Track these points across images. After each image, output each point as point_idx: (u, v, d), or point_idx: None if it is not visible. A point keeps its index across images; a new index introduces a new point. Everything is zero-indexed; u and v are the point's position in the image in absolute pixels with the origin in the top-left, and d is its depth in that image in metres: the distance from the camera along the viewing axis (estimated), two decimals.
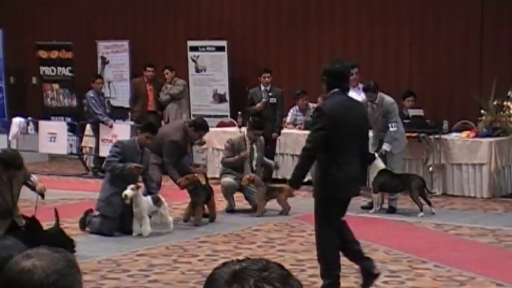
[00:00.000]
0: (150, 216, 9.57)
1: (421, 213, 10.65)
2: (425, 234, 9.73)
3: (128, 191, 9.23)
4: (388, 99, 11.15)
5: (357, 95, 12.03)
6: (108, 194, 9.56)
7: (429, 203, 10.77)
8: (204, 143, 11.31)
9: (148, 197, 9.57)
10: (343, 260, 8.34)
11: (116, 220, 9.53)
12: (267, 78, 13.26)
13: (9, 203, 8.19)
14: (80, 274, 2.16)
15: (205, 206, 10.46)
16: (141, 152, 9.75)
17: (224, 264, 1.82)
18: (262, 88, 13.28)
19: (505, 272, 7.88)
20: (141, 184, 9.79)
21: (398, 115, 11.31)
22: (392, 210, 10.99)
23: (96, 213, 9.66)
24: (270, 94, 13.16)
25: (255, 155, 11.22)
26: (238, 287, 1.71)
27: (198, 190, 10.22)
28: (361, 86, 12.15)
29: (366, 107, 11.23)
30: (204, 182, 10.43)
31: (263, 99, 13.07)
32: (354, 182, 7.07)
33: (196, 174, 10.42)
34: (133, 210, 9.37)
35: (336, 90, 6.97)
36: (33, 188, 8.45)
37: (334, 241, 7.06)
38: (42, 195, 8.44)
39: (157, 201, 9.64)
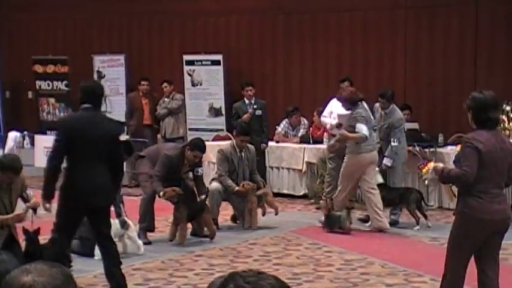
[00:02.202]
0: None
1: (417, 227, 10.66)
2: (422, 248, 9.74)
3: None
4: (398, 113, 11.21)
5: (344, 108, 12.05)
6: None
7: (425, 216, 10.78)
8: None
9: (116, 220, 9.09)
10: (339, 274, 8.35)
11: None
12: (249, 92, 13.24)
13: (8, 211, 8.17)
14: None
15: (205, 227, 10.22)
16: None
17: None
18: (247, 101, 13.24)
19: (500, 285, 7.86)
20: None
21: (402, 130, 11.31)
22: (392, 222, 10.98)
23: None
24: (255, 106, 13.14)
25: (244, 162, 11.16)
26: None
27: (179, 206, 9.77)
28: None
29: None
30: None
31: (250, 111, 13.05)
32: (93, 192, 7.23)
33: (175, 188, 9.77)
34: None
35: (86, 106, 7.30)
36: (27, 202, 8.40)
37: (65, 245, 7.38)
38: (35, 210, 8.39)
39: (124, 225, 9.22)
